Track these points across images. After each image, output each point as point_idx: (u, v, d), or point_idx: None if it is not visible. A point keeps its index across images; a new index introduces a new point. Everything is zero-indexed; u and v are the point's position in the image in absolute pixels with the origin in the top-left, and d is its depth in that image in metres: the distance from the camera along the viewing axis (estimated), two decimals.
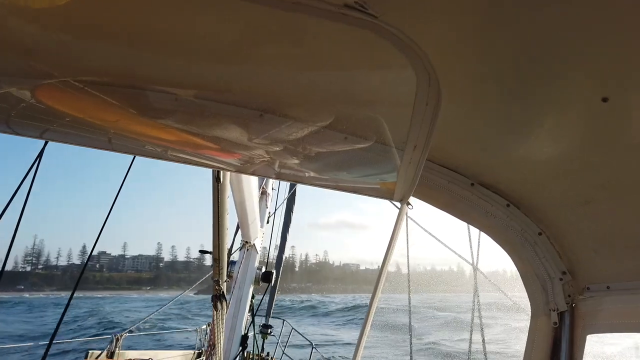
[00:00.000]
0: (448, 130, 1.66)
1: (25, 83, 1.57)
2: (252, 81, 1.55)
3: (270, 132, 1.76)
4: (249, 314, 5.83)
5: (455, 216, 1.91)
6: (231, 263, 5.93)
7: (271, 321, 11.73)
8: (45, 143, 3.77)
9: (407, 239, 5.79)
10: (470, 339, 4.95)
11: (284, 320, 12.74)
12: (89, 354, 6.11)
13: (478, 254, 5.02)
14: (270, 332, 12.09)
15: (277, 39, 1.26)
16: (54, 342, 3.11)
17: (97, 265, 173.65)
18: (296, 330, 12.22)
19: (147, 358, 5.42)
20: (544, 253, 1.81)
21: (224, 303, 2.90)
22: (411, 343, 5.29)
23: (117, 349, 6.29)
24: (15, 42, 1.43)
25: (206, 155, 2.07)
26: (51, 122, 1.90)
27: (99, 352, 6.21)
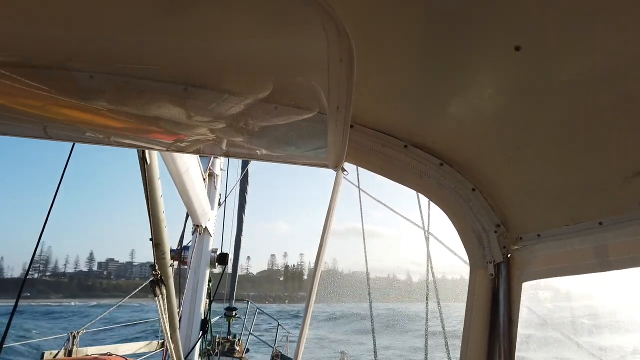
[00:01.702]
0: (375, 93, 1.64)
1: None
2: (170, 54, 1.46)
3: (197, 106, 1.68)
4: (207, 299, 5.76)
5: (391, 179, 1.91)
6: (184, 248, 5.80)
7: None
8: None
9: (361, 208, 5.84)
10: (427, 308, 5.09)
11: (248, 301, 12.76)
12: (44, 355, 5.85)
13: (429, 219, 5.12)
14: (235, 314, 12.10)
15: (190, 7, 1.18)
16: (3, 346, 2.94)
17: (105, 273, 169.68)
18: (260, 310, 12.27)
19: (106, 352, 5.26)
20: (478, 208, 1.84)
21: (163, 288, 2.80)
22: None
23: (74, 346, 6.06)
24: None
25: (130, 135, 1.96)
26: None
27: (56, 351, 5.96)
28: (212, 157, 6.06)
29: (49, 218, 2.56)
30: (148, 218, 2.49)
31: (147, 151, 2.20)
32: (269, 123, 1.76)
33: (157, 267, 2.73)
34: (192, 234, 5.81)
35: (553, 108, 1.35)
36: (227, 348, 10.75)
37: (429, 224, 5.10)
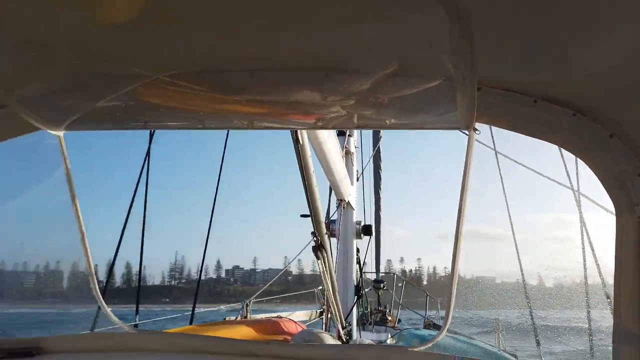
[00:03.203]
0: (499, 52, 1.73)
1: (123, 85, 1.95)
2: (311, 44, 1.74)
3: (333, 88, 1.96)
4: (357, 266, 6.23)
5: (524, 134, 1.98)
6: (331, 222, 6.34)
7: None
8: (152, 134, 4.36)
9: (501, 174, 5.70)
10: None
11: (394, 275, 13.16)
12: (226, 319, 6.95)
13: (577, 176, 4.80)
14: (383, 286, 12.58)
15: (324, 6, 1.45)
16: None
17: (232, 279, 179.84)
18: (409, 283, 12.52)
19: (276, 315, 6.08)
20: (617, 154, 1.83)
21: (324, 252, 3.26)
22: None
23: (248, 313, 7.09)
24: (111, 53, 1.79)
25: (283, 119, 2.34)
26: (152, 114, 2.29)
27: (233, 317, 7.04)
28: (347, 136, 6.46)
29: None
30: (304, 192, 2.94)
31: (299, 133, 2.61)
32: (396, 94, 1.96)
33: (317, 235, 3.21)
34: (337, 208, 6.31)
35: None
36: (380, 318, 11.30)
37: (578, 182, 4.79)
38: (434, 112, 2.13)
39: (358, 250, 6.33)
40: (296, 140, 2.62)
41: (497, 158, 5.40)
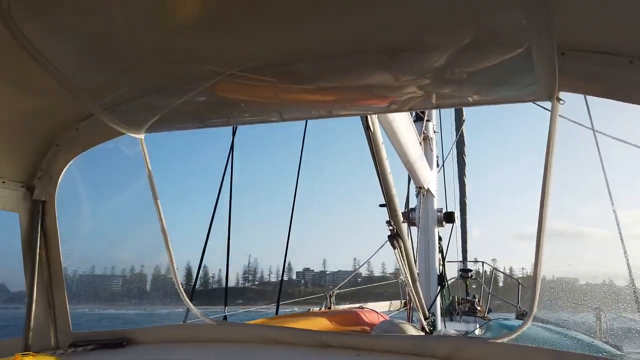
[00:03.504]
0: (583, 11, 1.55)
1: (198, 84, 2.02)
2: (377, 24, 1.68)
3: (404, 68, 1.87)
4: (440, 255, 6.02)
5: (617, 99, 1.76)
6: (411, 210, 6.18)
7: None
8: (234, 131, 4.49)
9: (599, 150, 5.15)
10: None
11: (482, 263, 12.58)
12: (310, 310, 7.08)
13: None
14: (471, 275, 12.08)
15: None
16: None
17: (302, 281, 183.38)
18: (497, 270, 11.92)
19: (358, 305, 6.07)
20: None
21: (401, 241, 3.16)
22: None
23: (331, 304, 7.18)
24: (186, 54, 1.85)
25: (358, 105, 2.29)
26: (231, 110, 2.36)
27: (317, 308, 7.17)
28: (425, 121, 6.24)
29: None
30: (378, 180, 2.87)
31: (369, 119, 2.55)
32: (473, 68, 1.83)
33: (392, 223, 3.12)
34: (416, 196, 6.13)
35: None
36: (468, 308, 10.88)
37: None
38: (515, 84, 1.97)
39: (440, 239, 6.11)
40: (367, 127, 2.55)
41: (594, 136, 4.59)
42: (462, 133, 12.73)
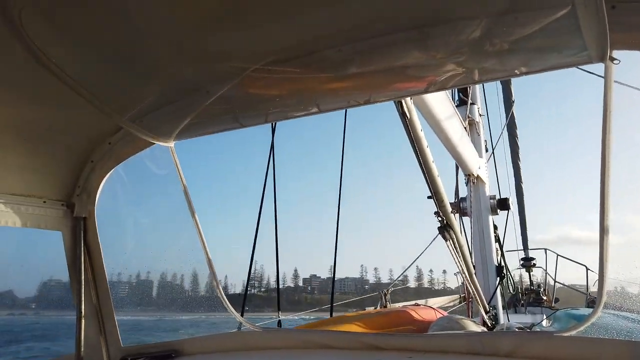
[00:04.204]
0: None
1: (225, 83, 1.96)
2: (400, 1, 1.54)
3: (437, 44, 1.72)
4: (497, 244, 5.69)
5: None
6: (462, 200, 5.90)
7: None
8: (274, 128, 4.38)
9: None
10: None
11: (545, 250, 11.90)
12: (365, 309, 6.94)
13: None
14: (534, 264, 11.46)
15: None
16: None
17: (309, 288, 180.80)
18: (562, 256, 11.24)
19: (413, 302, 5.86)
20: None
21: (452, 232, 2.97)
22: None
23: (387, 302, 7.00)
24: (208, 51, 1.80)
25: (396, 89, 2.15)
26: (266, 106, 2.29)
27: (372, 307, 7.01)
28: (469, 104, 5.94)
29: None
30: (421, 170, 2.69)
31: (404, 105, 2.38)
32: (513, 36, 1.66)
33: (440, 214, 2.93)
34: (466, 185, 5.84)
35: None
36: (533, 299, 10.33)
37: None
38: (562, 48, 1.77)
39: (496, 228, 5.78)
40: (402, 114, 2.38)
41: None
42: (512, 114, 12.13)
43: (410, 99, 2.41)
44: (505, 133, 11.19)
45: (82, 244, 2.45)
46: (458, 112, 4.18)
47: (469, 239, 5.56)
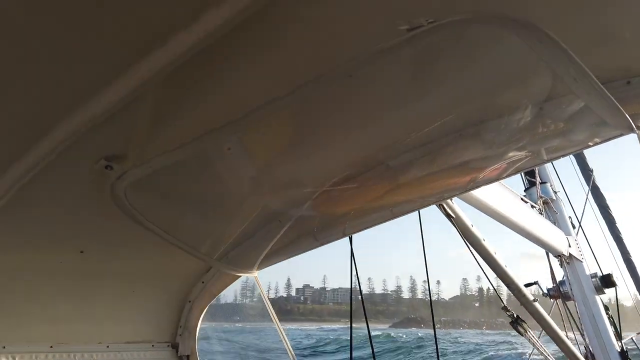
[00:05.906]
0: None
1: (299, 209, 2.20)
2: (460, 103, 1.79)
3: (489, 139, 1.90)
4: (612, 327, 5.10)
5: None
6: (560, 284, 5.50)
7: None
8: (350, 240, 4.56)
9: None
10: None
11: None
12: None
13: None
14: None
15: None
16: None
17: (302, 298, 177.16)
18: None
19: None
20: None
21: (524, 325, 2.82)
22: None
23: None
24: (281, 183, 2.07)
25: (457, 185, 2.28)
26: (342, 221, 2.51)
27: None
28: (538, 184, 5.81)
29: None
30: (488, 265, 2.67)
31: (446, 206, 2.47)
32: (556, 121, 1.80)
33: (508, 308, 2.83)
34: (560, 267, 5.48)
35: None
36: None
37: None
38: (592, 125, 1.88)
39: (607, 309, 5.22)
40: (448, 215, 2.47)
41: None
42: (595, 185, 11.43)
43: (452, 200, 2.52)
44: (594, 205, 10.45)
45: None
46: (524, 196, 4.14)
47: (579, 324, 5.08)
